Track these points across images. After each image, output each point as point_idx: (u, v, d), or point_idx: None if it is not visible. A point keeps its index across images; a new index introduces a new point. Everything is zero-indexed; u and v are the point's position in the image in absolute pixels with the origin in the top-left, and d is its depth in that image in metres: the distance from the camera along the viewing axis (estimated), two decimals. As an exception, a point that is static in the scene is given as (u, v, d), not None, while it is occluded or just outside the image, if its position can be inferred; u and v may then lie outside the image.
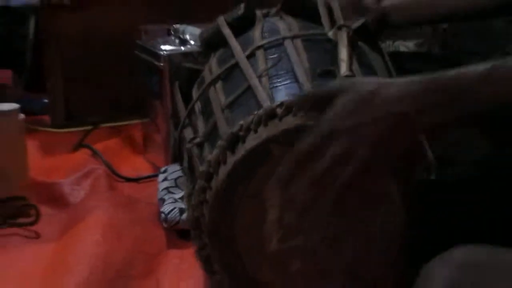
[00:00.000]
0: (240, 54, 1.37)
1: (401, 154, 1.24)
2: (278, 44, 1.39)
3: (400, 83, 1.18)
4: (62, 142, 2.14)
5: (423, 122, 1.18)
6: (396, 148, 1.19)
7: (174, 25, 1.90)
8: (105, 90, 2.18)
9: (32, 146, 1.95)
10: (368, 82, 1.18)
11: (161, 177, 1.73)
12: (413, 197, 1.27)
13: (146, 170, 1.95)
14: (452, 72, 1.19)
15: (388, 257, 1.25)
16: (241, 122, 1.18)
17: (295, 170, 1.15)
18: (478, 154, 1.50)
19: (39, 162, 2.00)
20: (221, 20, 1.49)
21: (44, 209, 1.71)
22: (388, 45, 1.69)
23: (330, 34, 1.43)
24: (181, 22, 2.02)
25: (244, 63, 1.33)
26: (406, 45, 1.96)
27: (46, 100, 2.35)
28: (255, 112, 1.20)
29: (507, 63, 1.19)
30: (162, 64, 1.79)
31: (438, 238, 1.13)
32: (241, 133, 1.18)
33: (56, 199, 1.80)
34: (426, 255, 1.10)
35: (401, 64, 1.62)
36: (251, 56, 1.36)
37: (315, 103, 1.18)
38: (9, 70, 2.44)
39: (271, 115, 1.18)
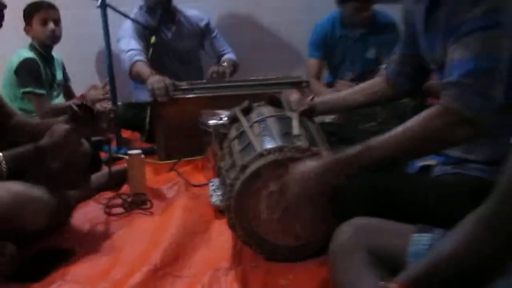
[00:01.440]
0: (245, 125, 1.44)
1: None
2: (264, 120, 1.44)
3: (317, 162, 1.14)
4: (163, 168, 2.22)
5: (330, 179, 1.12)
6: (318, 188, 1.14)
7: (216, 111, 1.97)
8: (185, 142, 2.20)
9: (148, 170, 2.06)
10: (299, 166, 1.17)
11: (211, 184, 1.80)
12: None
13: (204, 181, 1.97)
14: (342, 154, 1.13)
15: (317, 222, 1.27)
16: (247, 158, 1.27)
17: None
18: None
19: (152, 178, 2.08)
20: (236, 108, 1.56)
21: (154, 201, 1.82)
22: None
23: (289, 114, 1.44)
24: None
25: (248, 130, 1.41)
26: (327, 118, 1.93)
27: (155, 147, 2.36)
28: (253, 154, 1.26)
29: (376, 141, 1.11)
30: (210, 130, 1.85)
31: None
32: (247, 164, 1.26)
33: (160, 195, 1.89)
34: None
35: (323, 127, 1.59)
36: (251, 126, 1.43)
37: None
38: (137, 133, 2.52)
39: (260, 154, 1.25)
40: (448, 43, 1.13)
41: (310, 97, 1.63)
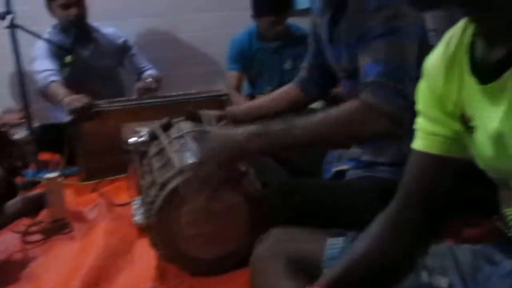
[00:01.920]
0: (165, 142, 1.42)
1: (238, 174, 1.20)
2: (183, 135, 1.42)
3: (238, 130, 1.14)
4: (85, 189, 2.14)
5: (250, 149, 1.11)
6: (235, 167, 1.17)
7: (136, 128, 1.82)
8: (107, 161, 2.12)
9: (69, 192, 1.98)
10: (217, 130, 1.25)
11: (134, 203, 1.74)
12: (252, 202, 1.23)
13: (128, 200, 1.87)
14: (268, 125, 1.14)
15: (239, 234, 1.27)
16: (166, 175, 1.25)
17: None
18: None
19: (73, 200, 2.00)
20: (156, 125, 1.54)
21: (75, 224, 1.75)
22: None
23: (208, 128, 1.43)
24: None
25: (167, 147, 1.39)
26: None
27: (77, 168, 2.28)
28: (173, 171, 1.24)
29: (299, 122, 1.12)
30: (130, 148, 1.68)
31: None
32: (165, 181, 1.24)
33: (81, 218, 1.82)
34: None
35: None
36: (170, 143, 1.41)
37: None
38: (58, 154, 2.36)
39: (180, 171, 1.23)
40: (357, 51, 1.19)
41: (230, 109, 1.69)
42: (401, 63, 1.12)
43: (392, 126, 1.10)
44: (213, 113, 1.60)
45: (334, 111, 1.13)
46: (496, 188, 0.87)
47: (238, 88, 2.94)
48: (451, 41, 0.78)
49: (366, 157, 1.33)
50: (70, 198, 1.95)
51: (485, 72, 0.69)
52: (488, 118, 0.71)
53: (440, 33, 0.82)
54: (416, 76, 1.05)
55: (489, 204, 1.15)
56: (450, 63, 0.78)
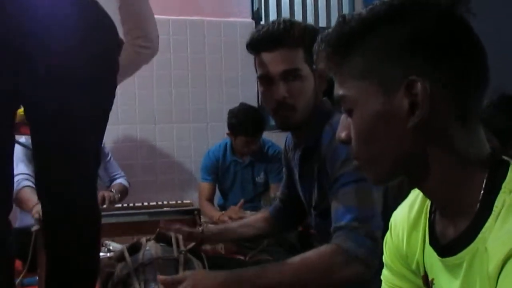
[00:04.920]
0: (131, 268, 1.34)
1: None
2: (151, 262, 1.35)
3: (215, 275, 1.14)
4: None
5: None
6: None
7: (105, 241, 1.85)
8: None
9: None
10: (198, 273, 1.18)
11: None
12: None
13: None
14: (242, 270, 1.18)
15: None
16: None
17: None
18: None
19: None
20: (124, 247, 1.44)
21: None
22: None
23: (176, 256, 1.37)
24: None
25: (133, 275, 1.31)
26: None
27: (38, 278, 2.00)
28: None
29: (274, 268, 1.15)
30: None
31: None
32: None
33: None
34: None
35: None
36: (136, 270, 1.32)
37: (169, 283, 1.14)
38: (20, 260, 2.16)
39: None
40: (328, 197, 1.22)
41: (200, 229, 1.64)
42: (371, 210, 1.15)
43: (366, 270, 1.11)
44: (185, 230, 1.57)
45: (309, 257, 1.15)
46: None
47: (210, 199, 2.95)
48: (414, 205, 0.80)
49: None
50: None
51: (443, 246, 0.71)
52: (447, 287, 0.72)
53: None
54: (381, 224, 1.13)
55: None
56: (413, 226, 0.80)
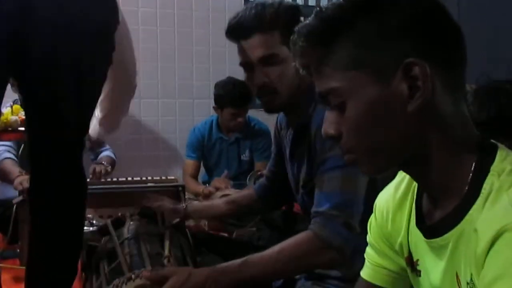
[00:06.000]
0: (116, 242, 1.36)
1: None
2: (135, 237, 1.37)
3: (200, 272, 1.13)
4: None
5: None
6: None
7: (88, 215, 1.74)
8: None
9: (7, 278, 1.74)
10: (185, 270, 1.15)
11: None
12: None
13: None
14: (225, 264, 1.16)
15: None
16: (114, 281, 1.15)
17: None
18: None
19: (11, 287, 1.76)
20: (108, 221, 1.47)
21: None
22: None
23: (162, 230, 1.40)
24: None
25: (118, 249, 1.32)
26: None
27: (18, 251, 2.03)
28: (122, 277, 1.16)
29: (255, 259, 1.16)
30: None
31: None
32: None
33: None
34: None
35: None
36: (122, 243, 1.35)
37: (155, 280, 1.10)
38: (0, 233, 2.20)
39: (129, 278, 1.15)
40: (314, 176, 1.23)
41: (184, 205, 1.64)
42: (353, 197, 1.16)
43: (339, 258, 1.15)
44: (168, 206, 1.57)
45: (288, 246, 1.17)
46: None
47: (195, 176, 2.94)
48: (400, 186, 0.81)
49: (318, 269, 1.29)
50: (8, 285, 1.78)
51: (429, 227, 0.72)
52: (432, 269, 0.72)
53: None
54: (363, 209, 1.13)
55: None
56: (398, 207, 0.80)
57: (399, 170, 0.79)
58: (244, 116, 2.87)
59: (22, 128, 1.80)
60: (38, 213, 1.34)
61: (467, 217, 0.63)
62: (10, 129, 1.92)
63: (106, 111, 1.66)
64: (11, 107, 2.06)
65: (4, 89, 1.20)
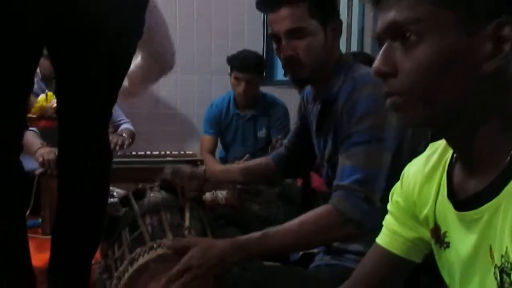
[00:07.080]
0: (137, 213, 1.35)
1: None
2: (156, 209, 1.35)
3: (221, 242, 1.15)
4: (46, 243, 1.77)
5: (231, 261, 1.14)
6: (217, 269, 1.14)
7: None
8: None
9: (31, 247, 1.53)
10: (206, 241, 1.16)
11: (98, 266, 1.51)
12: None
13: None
14: (245, 236, 1.18)
15: None
16: (137, 250, 1.18)
17: (169, 283, 1.10)
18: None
19: (35, 256, 1.59)
20: (129, 192, 1.47)
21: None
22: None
23: (182, 203, 1.39)
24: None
25: (139, 219, 1.31)
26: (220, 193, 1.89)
27: (40, 221, 2.18)
28: (143, 246, 1.18)
29: (274, 232, 1.17)
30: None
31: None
32: (136, 256, 1.17)
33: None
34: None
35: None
36: (143, 215, 1.34)
37: (177, 249, 1.13)
38: None
39: (151, 247, 1.17)
40: (339, 150, 1.24)
41: (203, 168, 1.69)
42: (376, 173, 1.18)
43: (358, 232, 1.17)
44: (187, 170, 1.59)
45: (308, 219, 1.19)
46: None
47: (212, 152, 2.95)
48: (431, 158, 0.79)
49: (336, 243, 1.32)
50: (32, 253, 1.83)
51: (462, 200, 0.70)
52: (462, 242, 0.71)
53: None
54: (385, 185, 1.14)
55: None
56: (427, 179, 0.79)
57: (439, 131, 0.73)
58: (256, 86, 2.84)
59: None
60: (65, 181, 1.37)
61: (504, 190, 0.62)
62: (45, 116, 1.97)
63: (133, 81, 1.70)
64: (46, 94, 2.09)
65: (39, 55, 1.19)
